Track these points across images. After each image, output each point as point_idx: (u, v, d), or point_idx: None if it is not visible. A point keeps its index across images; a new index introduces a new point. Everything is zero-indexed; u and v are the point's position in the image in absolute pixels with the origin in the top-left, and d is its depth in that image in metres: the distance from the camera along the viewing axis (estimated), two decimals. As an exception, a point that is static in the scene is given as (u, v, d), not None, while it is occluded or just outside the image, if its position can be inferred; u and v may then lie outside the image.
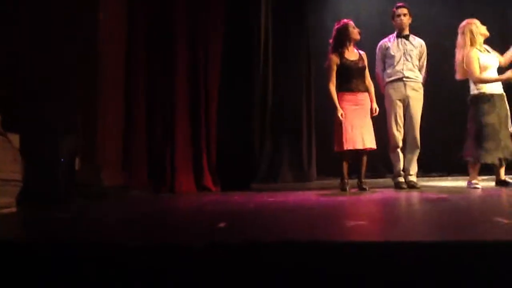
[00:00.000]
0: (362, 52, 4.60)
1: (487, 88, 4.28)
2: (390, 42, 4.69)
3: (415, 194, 3.91)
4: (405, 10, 4.63)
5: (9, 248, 1.74)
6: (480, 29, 4.38)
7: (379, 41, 4.83)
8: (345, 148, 4.37)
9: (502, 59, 4.43)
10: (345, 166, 4.49)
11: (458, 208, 2.75)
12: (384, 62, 4.70)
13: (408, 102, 4.57)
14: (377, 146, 4.51)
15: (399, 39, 4.67)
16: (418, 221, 2.33)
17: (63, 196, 3.64)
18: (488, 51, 4.42)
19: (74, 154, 3.97)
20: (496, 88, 4.30)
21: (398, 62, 4.59)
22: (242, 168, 5.33)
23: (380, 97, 4.70)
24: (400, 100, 4.57)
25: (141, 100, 4.94)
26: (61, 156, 3.78)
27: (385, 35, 4.86)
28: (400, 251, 1.53)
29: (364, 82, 4.55)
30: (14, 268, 1.65)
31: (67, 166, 3.83)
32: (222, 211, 2.98)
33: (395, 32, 4.71)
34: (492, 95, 4.27)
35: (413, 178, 4.59)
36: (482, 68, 4.30)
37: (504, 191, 3.93)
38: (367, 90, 4.55)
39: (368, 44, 4.91)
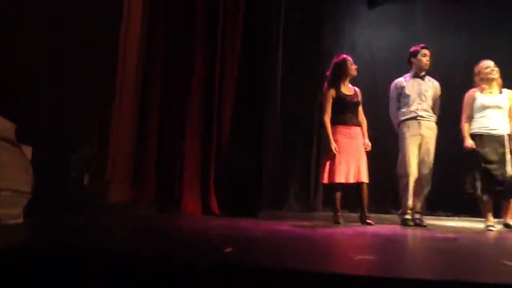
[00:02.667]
0: (357, 89, 4.78)
1: (477, 129, 4.48)
2: (406, 81, 4.79)
3: (422, 232, 3.93)
4: (428, 52, 4.74)
5: (15, 256, 1.80)
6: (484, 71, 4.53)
7: (388, 74, 4.96)
8: (337, 180, 4.50)
9: None
10: (337, 198, 4.59)
11: (464, 249, 2.78)
12: (399, 101, 4.79)
13: (422, 141, 4.64)
14: (386, 182, 4.58)
15: (415, 79, 4.76)
16: (422, 259, 2.36)
17: (72, 208, 3.71)
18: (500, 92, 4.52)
19: (85, 167, 4.05)
20: (489, 128, 4.44)
21: (413, 102, 4.68)
22: (249, 196, 5.37)
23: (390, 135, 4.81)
24: (414, 137, 4.63)
25: (154, 118, 5.05)
26: (72, 169, 3.86)
27: (393, 69, 4.97)
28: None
29: (357, 117, 4.70)
30: (21, 275, 1.71)
31: (78, 179, 3.91)
32: (229, 236, 3.02)
33: (412, 72, 4.80)
34: (481, 135, 4.44)
35: (419, 216, 4.62)
36: (477, 109, 4.47)
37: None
38: (359, 125, 4.70)
39: (379, 76, 5.04)
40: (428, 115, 4.71)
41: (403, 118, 4.73)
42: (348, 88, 4.72)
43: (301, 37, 6.24)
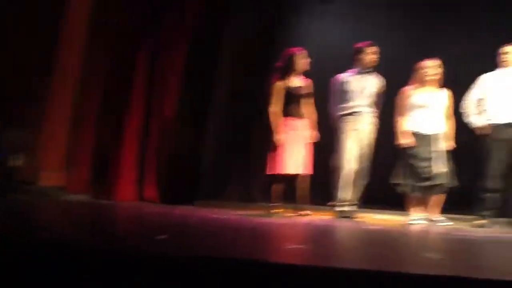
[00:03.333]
0: (308, 80, 4.79)
1: (411, 127, 4.63)
2: (350, 76, 4.88)
3: (353, 224, 4.06)
4: (375, 49, 4.84)
5: None
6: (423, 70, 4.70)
7: (337, 70, 5.03)
8: (282, 172, 4.55)
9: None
10: (278, 190, 4.63)
11: (391, 241, 2.90)
12: (340, 96, 4.88)
13: (361, 135, 4.75)
14: (324, 175, 4.68)
15: (360, 75, 4.86)
16: (351, 249, 2.45)
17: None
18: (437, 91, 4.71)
19: (17, 149, 3.88)
20: (422, 127, 4.60)
21: (355, 97, 4.79)
22: (187, 183, 5.33)
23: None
24: (354, 131, 4.75)
25: (93, 100, 4.85)
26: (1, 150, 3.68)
27: (342, 64, 5.05)
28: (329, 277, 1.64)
29: (305, 109, 4.73)
30: None
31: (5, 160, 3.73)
32: (164, 224, 3.00)
33: (357, 68, 4.88)
34: (414, 134, 4.61)
35: (354, 208, 4.77)
36: (412, 107, 4.64)
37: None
38: (309, 117, 4.75)
39: (329, 71, 5.11)
40: (368, 111, 4.82)
41: (343, 112, 4.83)
42: (297, 81, 4.73)
43: (253, 29, 6.24)
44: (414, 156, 4.57)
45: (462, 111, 4.79)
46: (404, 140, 4.65)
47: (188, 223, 3.08)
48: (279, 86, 4.66)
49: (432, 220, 4.58)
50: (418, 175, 4.54)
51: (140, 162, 5.07)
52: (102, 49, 4.90)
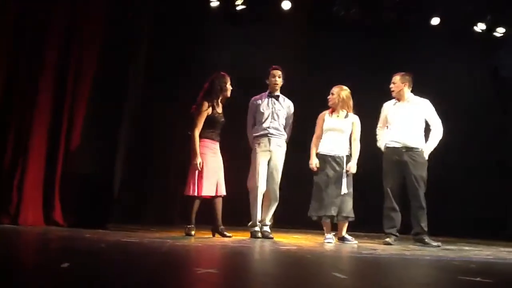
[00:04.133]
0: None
1: (320, 149, 4.85)
2: (262, 99, 5.02)
3: (268, 244, 4.10)
4: (279, 72, 4.99)
5: None
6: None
7: (253, 92, 5.16)
8: (202, 194, 4.62)
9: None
10: (195, 211, 4.68)
11: (304, 261, 2.95)
12: (254, 118, 5.00)
13: (271, 157, 4.90)
14: (238, 197, 4.76)
15: (270, 98, 5.00)
16: (263, 271, 2.46)
17: None
18: (345, 116, 4.90)
19: None
20: (330, 150, 4.81)
21: (266, 119, 4.92)
22: (99, 205, 5.12)
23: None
24: (264, 153, 4.86)
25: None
26: None
27: (257, 86, 5.18)
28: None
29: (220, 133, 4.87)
30: None
31: None
32: (69, 249, 2.84)
33: (267, 91, 5.04)
34: (323, 155, 4.81)
35: (267, 228, 4.84)
36: (324, 130, 4.87)
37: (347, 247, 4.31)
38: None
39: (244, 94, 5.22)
40: (279, 133, 4.97)
41: (255, 134, 4.96)
42: (219, 107, 4.83)
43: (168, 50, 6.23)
44: (325, 180, 4.73)
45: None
46: (316, 163, 4.81)
47: (94, 249, 2.93)
48: (206, 110, 4.71)
49: (342, 239, 4.76)
50: (328, 201, 4.69)
51: (46, 183, 4.79)
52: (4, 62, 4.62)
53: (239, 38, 6.88)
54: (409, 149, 4.84)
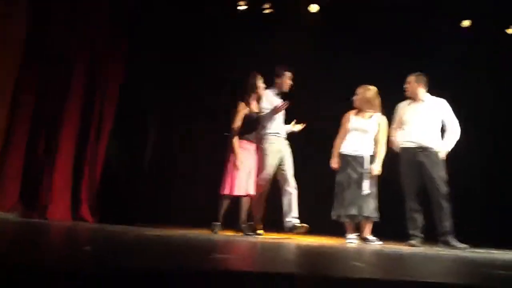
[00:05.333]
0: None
1: (342, 149, 4.83)
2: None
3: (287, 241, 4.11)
4: (291, 74, 5.05)
5: None
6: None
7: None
8: (236, 193, 4.68)
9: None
10: (224, 208, 4.73)
11: (327, 254, 2.96)
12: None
13: (283, 155, 4.92)
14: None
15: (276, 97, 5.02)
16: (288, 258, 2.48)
17: None
18: (370, 116, 4.89)
19: None
20: (352, 150, 4.78)
21: (277, 118, 4.93)
22: (125, 204, 5.24)
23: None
24: (275, 153, 4.88)
25: (26, 116, 4.70)
26: None
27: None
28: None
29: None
30: None
31: None
32: (92, 238, 2.92)
33: (275, 91, 5.03)
34: (345, 155, 4.79)
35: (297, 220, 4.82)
36: (348, 130, 4.86)
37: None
38: (258, 142, 4.92)
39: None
40: (284, 133, 5.03)
41: (268, 133, 4.95)
42: (256, 105, 4.92)
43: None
44: (346, 181, 4.71)
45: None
46: (336, 163, 4.81)
47: (118, 237, 3.01)
48: (241, 109, 4.79)
49: (364, 239, 4.72)
50: (349, 202, 4.66)
51: (76, 182, 4.93)
52: (35, 71, 4.80)
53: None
54: (424, 149, 4.78)
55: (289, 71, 5.05)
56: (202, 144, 6.17)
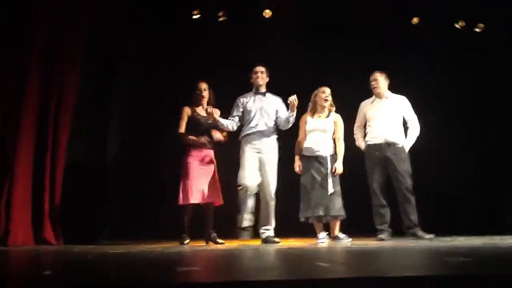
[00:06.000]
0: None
1: (304, 151, 4.88)
2: (248, 98, 5.00)
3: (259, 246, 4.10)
4: (262, 69, 5.01)
5: None
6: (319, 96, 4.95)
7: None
8: (187, 202, 4.68)
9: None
10: (186, 219, 4.77)
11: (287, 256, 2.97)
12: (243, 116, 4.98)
13: (262, 155, 4.82)
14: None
15: (256, 96, 4.99)
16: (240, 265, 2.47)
17: None
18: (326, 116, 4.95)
19: None
20: (313, 151, 4.82)
21: (254, 117, 4.88)
22: (89, 222, 5.14)
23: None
24: (253, 151, 4.82)
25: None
26: None
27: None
28: None
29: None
30: None
31: None
32: (54, 261, 2.84)
33: (253, 89, 5.02)
34: (306, 157, 4.85)
35: (271, 233, 4.79)
36: (307, 131, 4.90)
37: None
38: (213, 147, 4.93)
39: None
40: (268, 131, 4.91)
41: (244, 133, 4.92)
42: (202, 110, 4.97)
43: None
44: (310, 182, 4.75)
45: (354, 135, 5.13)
46: (299, 165, 4.86)
47: (79, 259, 2.94)
48: (187, 112, 4.88)
49: (334, 238, 4.77)
50: (315, 203, 4.71)
51: (34, 202, 4.78)
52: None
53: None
54: (390, 144, 4.89)
55: (257, 65, 5.02)
56: (164, 152, 6.08)
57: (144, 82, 6.35)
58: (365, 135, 5.13)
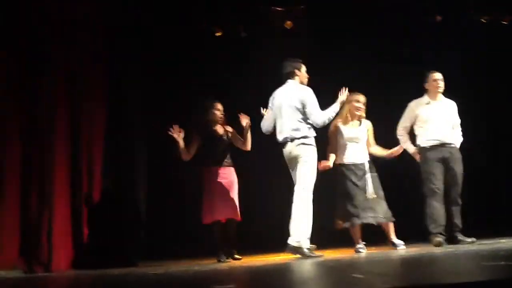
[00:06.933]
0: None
1: (342, 160, 4.86)
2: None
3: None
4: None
5: None
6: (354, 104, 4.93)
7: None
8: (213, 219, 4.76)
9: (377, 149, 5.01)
10: (218, 236, 4.81)
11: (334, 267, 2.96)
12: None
13: (296, 163, 4.48)
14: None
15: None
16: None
17: None
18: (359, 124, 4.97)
19: None
20: (350, 160, 4.85)
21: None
22: (126, 244, 5.22)
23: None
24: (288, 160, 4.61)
25: (15, 171, 4.67)
26: None
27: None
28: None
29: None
30: None
31: None
32: (95, 286, 2.92)
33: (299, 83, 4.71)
34: (345, 165, 4.83)
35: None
36: (342, 141, 4.88)
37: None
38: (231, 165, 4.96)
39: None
40: (300, 134, 4.53)
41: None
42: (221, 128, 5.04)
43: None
44: (351, 188, 4.74)
45: (398, 137, 5.05)
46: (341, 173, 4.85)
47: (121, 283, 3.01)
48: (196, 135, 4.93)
49: (392, 244, 4.74)
50: (358, 207, 4.70)
51: (75, 228, 4.91)
52: (17, 116, 4.79)
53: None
54: (448, 146, 4.84)
55: (303, 63, 4.76)
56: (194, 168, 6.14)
57: (167, 99, 6.47)
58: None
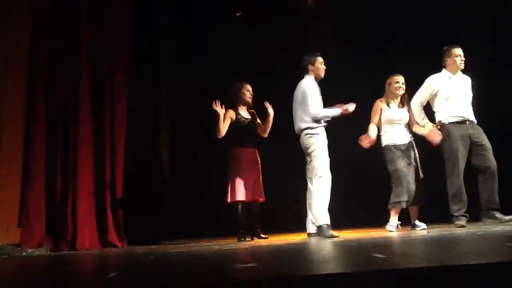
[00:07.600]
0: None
1: (390, 141, 4.91)
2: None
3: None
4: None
5: None
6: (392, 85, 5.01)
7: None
8: (236, 199, 4.84)
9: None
10: (240, 216, 4.90)
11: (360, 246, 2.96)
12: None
13: (306, 154, 4.76)
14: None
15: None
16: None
17: None
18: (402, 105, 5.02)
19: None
20: (397, 140, 4.91)
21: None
22: (150, 223, 5.31)
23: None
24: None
25: (41, 150, 4.77)
26: None
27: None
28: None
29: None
30: None
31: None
32: (119, 263, 2.98)
33: (311, 76, 4.84)
34: (393, 146, 4.89)
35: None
36: (385, 121, 4.94)
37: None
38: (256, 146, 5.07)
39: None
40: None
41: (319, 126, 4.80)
42: (245, 111, 5.13)
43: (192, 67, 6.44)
44: (403, 169, 4.78)
45: (414, 114, 4.95)
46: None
47: (143, 260, 3.07)
48: (230, 115, 4.98)
49: (414, 226, 4.82)
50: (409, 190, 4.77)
51: (99, 207, 5.01)
52: (42, 97, 4.86)
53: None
54: (470, 122, 4.78)
55: (320, 55, 4.88)
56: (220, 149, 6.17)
57: (194, 80, 6.50)
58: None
